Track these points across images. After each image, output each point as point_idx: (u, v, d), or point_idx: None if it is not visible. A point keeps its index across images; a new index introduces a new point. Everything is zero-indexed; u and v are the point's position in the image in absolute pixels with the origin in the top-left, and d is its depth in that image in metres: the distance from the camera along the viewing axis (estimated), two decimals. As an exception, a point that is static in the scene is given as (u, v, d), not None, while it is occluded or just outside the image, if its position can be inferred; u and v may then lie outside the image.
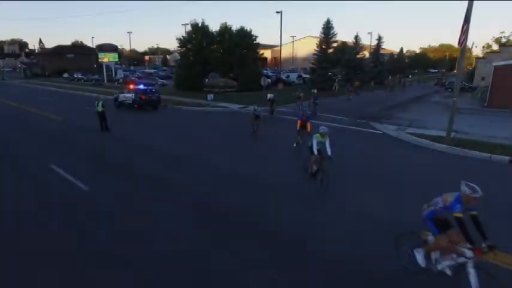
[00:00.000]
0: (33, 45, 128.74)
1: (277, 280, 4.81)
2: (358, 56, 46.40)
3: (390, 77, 47.96)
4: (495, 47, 67.63)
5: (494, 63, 26.46)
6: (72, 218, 6.64)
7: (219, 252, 5.47)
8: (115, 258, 5.25)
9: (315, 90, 24.92)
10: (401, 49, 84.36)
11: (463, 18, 12.32)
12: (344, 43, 53.20)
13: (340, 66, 46.03)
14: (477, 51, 78.03)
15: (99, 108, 14.88)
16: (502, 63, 26.17)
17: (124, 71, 55.92)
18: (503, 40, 63.94)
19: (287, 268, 5.10)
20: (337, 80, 33.48)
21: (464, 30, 12.20)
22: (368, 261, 5.29)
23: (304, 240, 5.91)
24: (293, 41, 74.24)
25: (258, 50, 38.24)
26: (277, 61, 73.76)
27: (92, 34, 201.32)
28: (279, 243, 5.79)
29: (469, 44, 12.74)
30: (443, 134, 14.33)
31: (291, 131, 13.04)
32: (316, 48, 40.57)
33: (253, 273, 4.94)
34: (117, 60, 55.18)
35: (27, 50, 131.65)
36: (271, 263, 5.22)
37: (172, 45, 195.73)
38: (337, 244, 5.80)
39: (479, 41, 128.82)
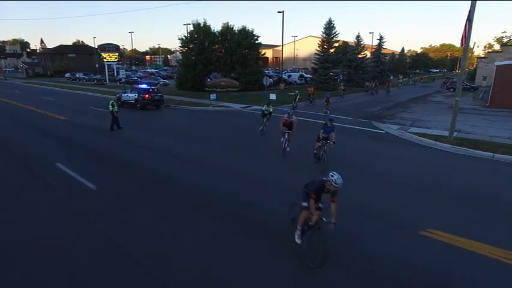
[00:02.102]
0: (34, 45, 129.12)
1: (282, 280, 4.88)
2: (360, 56, 46.46)
3: (395, 76, 47.15)
4: (497, 47, 67.59)
5: (496, 63, 26.50)
6: (82, 216, 6.72)
7: (222, 252, 5.55)
8: (119, 255, 5.34)
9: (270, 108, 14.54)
10: (403, 49, 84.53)
11: (464, 18, 12.41)
12: (345, 43, 53.30)
13: (342, 66, 46.09)
14: (479, 51, 78.03)
15: (109, 108, 15.21)
16: (504, 62, 26.19)
17: (126, 70, 56.04)
18: (505, 40, 63.79)
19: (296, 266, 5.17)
20: (297, 92, 23.44)
21: (467, 29, 12.26)
22: (375, 259, 5.35)
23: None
24: (294, 41, 74.27)
25: (260, 50, 38.28)
26: (278, 61, 73.88)
27: (93, 34, 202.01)
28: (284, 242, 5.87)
29: (470, 44, 12.77)
30: (446, 133, 14.40)
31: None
32: (317, 48, 40.68)
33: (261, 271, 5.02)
34: (117, 59, 55.20)
35: (28, 50, 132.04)
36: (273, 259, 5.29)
37: (174, 45, 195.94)
38: (346, 242, 5.88)
39: (480, 40, 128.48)
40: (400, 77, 52.84)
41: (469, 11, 12.30)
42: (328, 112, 21.12)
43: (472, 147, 12.57)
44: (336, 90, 34.05)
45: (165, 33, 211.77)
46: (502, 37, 67.45)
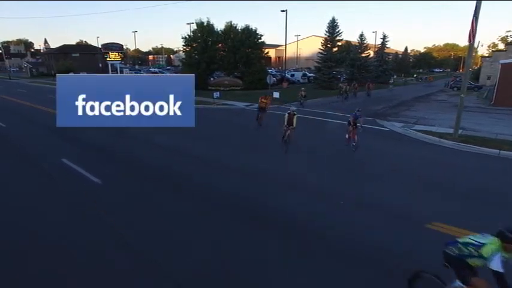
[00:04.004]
0: (38, 45, 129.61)
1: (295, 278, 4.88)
2: (363, 55, 46.34)
3: (398, 76, 42.92)
4: (501, 46, 67.12)
5: (501, 61, 26.35)
6: (90, 211, 6.76)
7: (227, 249, 5.56)
8: (132, 253, 5.36)
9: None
10: (406, 48, 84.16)
11: (468, 18, 12.43)
12: (349, 42, 53.13)
13: (345, 65, 45.96)
14: (483, 50, 77.58)
15: None
16: (509, 61, 26.02)
17: (130, 70, 56.25)
18: (510, 39, 63.35)
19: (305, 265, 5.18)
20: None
21: (474, 26, 12.20)
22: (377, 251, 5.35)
23: (313, 230, 6.00)
24: (297, 41, 74.23)
25: (263, 49, 38.31)
26: (281, 60, 73.89)
27: (96, 34, 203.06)
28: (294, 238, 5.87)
29: (475, 43, 12.66)
30: (450, 131, 14.34)
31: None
32: (321, 47, 40.64)
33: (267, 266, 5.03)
34: (120, 59, 55.31)
35: (32, 50, 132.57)
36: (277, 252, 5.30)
37: (176, 44, 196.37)
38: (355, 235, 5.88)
39: (485, 40, 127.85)
40: (392, 77, 45.00)
41: (475, 7, 12.24)
42: (354, 145, 11.27)
43: (477, 144, 12.51)
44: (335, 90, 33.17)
45: (168, 33, 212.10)
46: (507, 36, 67.09)
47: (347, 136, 11.89)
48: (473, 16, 12.18)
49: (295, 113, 11.21)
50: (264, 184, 8.34)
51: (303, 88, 24.65)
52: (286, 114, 11.31)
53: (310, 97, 26.16)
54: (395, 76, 50.40)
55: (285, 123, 11.30)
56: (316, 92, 33.01)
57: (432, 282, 3.76)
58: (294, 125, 11.12)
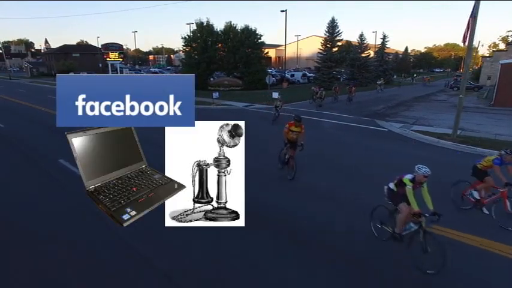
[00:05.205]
0: (39, 45, 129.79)
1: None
2: (363, 55, 46.37)
3: (398, 76, 42.47)
4: (502, 46, 67.10)
5: (501, 61, 26.37)
6: (89, 211, 6.79)
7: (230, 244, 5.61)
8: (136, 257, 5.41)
9: None
10: (406, 48, 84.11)
11: (468, 16, 12.32)
12: (349, 42, 53.21)
13: (345, 65, 45.98)
14: (483, 50, 77.54)
15: None
16: (509, 61, 26.05)
17: (130, 70, 56.29)
18: (510, 39, 63.33)
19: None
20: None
21: (470, 26, 12.22)
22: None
23: (312, 229, 6.04)
24: (297, 41, 74.30)
25: (263, 49, 38.38)
26: (281, 60, 73.97)
27: (97, 34, 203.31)
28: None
29: (475, 43, 12.82)
30: (449, 131, 14.36)
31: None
32: (321, 47, 40.69)
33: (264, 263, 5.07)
34: (121, 59, 55.32)
35: (33, 50, 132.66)
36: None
37: (177, 44, 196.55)
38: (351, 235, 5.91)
39: (485, 40, 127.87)
40: (381, 78, 40.61)
41: (474, 7, 12.26)
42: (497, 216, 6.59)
43: (475, 144, 12.54)
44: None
45: (168, 33, 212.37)
46: (507, 36, 67.06)
47: (473, 195, 6.84)
48: (471, 16, 12.19)
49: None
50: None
51: (279, 97, 19.10)
52: (393, 187, 5.79)
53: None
54: (395, 76, 50.29)
55: (411, 210, 5.18)
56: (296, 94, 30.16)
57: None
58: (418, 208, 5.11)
